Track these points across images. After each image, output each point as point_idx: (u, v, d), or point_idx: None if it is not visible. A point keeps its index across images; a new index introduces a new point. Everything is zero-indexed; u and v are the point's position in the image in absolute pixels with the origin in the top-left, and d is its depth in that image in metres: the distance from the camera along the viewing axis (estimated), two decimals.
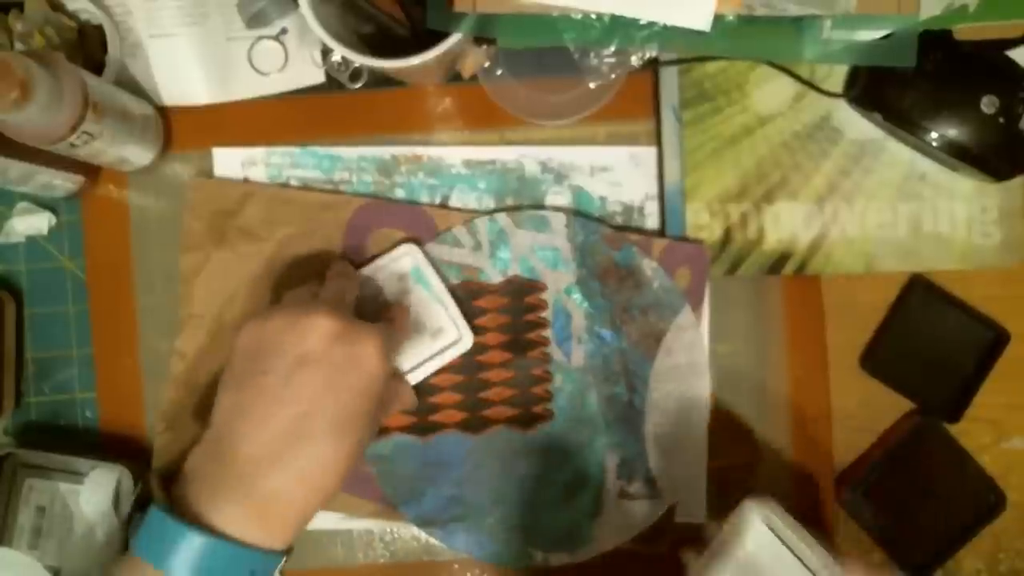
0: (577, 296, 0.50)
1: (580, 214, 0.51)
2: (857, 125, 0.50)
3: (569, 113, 0.51)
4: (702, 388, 0.50)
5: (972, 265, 0.51)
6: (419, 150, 0.53)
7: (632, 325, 0.50)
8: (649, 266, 0.50)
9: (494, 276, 0.51)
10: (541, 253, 0.50)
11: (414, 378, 0.49)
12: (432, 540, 0.52)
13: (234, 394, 0.40)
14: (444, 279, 0.50)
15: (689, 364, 0.50)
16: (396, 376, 0.47)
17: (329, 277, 0.47)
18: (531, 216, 0.50)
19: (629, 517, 0.50)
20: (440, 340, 0.49)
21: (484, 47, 0.50)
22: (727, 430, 0.51)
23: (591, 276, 0.50)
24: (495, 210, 0.52)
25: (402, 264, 0.50)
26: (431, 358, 0.49)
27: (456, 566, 0.52)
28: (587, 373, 0.50)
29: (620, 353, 0.50)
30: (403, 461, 0.50)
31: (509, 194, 0.53)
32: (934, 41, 0.44)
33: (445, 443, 0.50)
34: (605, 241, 0.50)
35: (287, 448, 0.37)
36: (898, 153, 0.50)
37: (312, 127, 0.53)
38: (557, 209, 0.51)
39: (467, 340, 0.49)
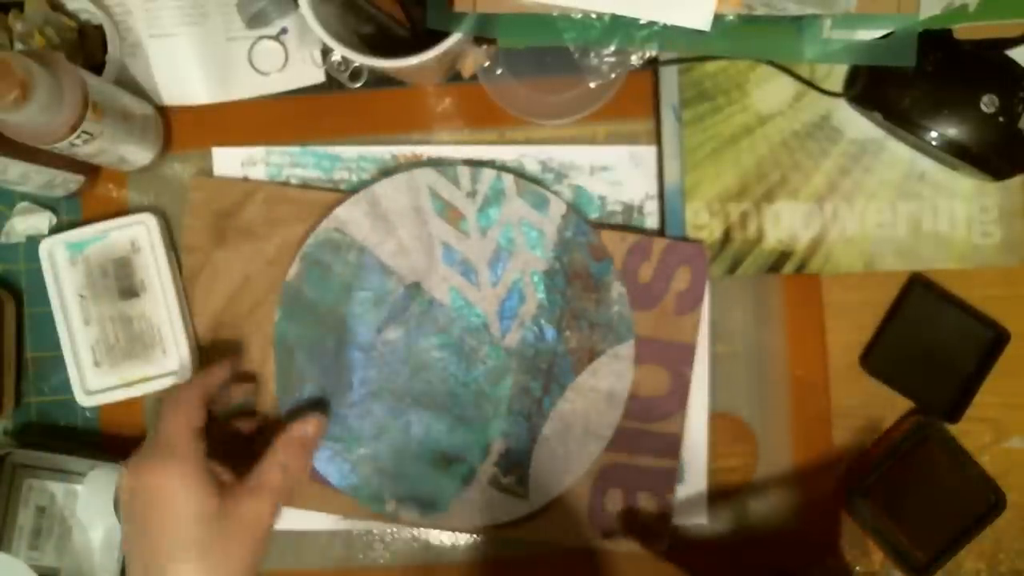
0: (539, 284, 0.50)
1: (579, 213, 0.51)
2: (857, 124, 0.50)
3: (569, 113, 0.51)
4: (610, 418, 0.50)
5: (972, 265, 0.51)
6: (419, 149, 0.53)
7: (575, 333, 0.50)
8: (617, 289, 0.50)
9: (472, 229, 0.50)
10: (526, 229, 0.50)
11: None
12: (432, 541, 0.52)
13: None
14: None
15: (608, 393, 0.50)
16: (242, 493, 0.42)
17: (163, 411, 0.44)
18: (535, 191, 0.50)
19: (490, 505, 0.50)
20: None
21: (484, 47, 0.50)
22: (727, 430, 0.52)
23: (561, 273, 0.50)
24: (505, 168, 0.51)
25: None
26: None
27: (456, 567, 0.52)
28: (512, 357, 0.50)
29: (552, 354, 0.50)
30: (312, 363, 0.50)
31: None
32: (934, 41, 0.44)
33: (353, 355, 0.50)
34: (589, 248, 0.50)
35: None
36: (898, 152, 0.50)
37: (312, 127, 0.53)
38: (560, 198, 0.51)
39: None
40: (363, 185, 0.52)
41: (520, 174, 0.51)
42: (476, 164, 0.51)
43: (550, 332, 0.50)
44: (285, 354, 0.50)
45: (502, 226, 0.50)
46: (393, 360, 0.50)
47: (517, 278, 0.50)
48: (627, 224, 0.52)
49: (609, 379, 0.50)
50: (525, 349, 0.50)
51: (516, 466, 0.50)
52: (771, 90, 0.50)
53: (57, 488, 0.51)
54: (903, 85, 0.47)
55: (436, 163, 0.52)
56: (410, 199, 0.50)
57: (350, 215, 0.50)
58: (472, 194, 0.50)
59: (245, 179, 0.53)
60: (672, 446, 0.50)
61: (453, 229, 0.50)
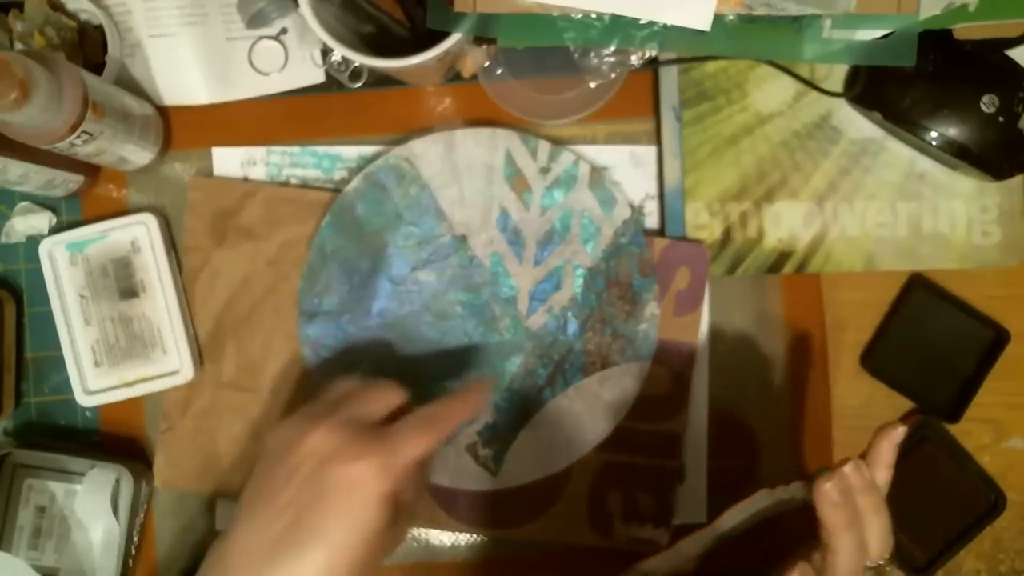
0: (580, 279, 0.50)
1: (640, 227, 0.51)
2: (857, 124, 0.50)
3: (569, 113, 0.51)
4: (600, 430, 0.50)
5: (972, 265, 0.51)
6: None
7: (596, 336, 0.50)
8: (652, 310, 0.50)
9: (534, 205, 0.51)
10: (586, 222, 0.50)
11: None
12: (432, 541, 0.52)
13: (246, 492, 0.40)
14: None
15: (608, 404, 0.50)
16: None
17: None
18: (605, 189, 0.50)
19: (460, 470, 0.50)
20: None
21: (484, 47, 0.50)
22: (727, 430, 0.51)
23: (604, 275, 0.50)
24: (585, 158, 0.51)
25: None
26: None
27: (456, 567, 0.52)
28: (529, 339, 0.50)
29: (568, 349, 0.50)
30: (341, 277, 0.50)
31: None
32: (934, 41, 0.44)
33: (382, 284, 0.50)
34: (639, 260, 0.50)
35: (269, 557, 0.37)
36: (898, 152, 0.50)
37: (312, 127, 0.53)
38: (629, 204, 0.51)
39: None
40: None
41: (597, 167, 0.51)
42: (558, 144, 0.51)
43: (573, 327, 0.50)
44: (319, 259, 0.50)
45: (563, 211, 0.51)
46: (417, 301, 0.50)
47: (560, 265, 0.50)
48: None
49: (614, 392, 0.50)
50: (544, 335, 0.50)
51: (497, 442, 0.50)
52: (771, 90, 0.50)
53: (57, 488, 0.51)
54: (903, 85, 0.47)
55: (521, 130, 0.51)
56: (485, 154, 0.50)
57: (424, 151, 0.50)
58: (545, 171, 0.51)
59: (245, 179, 0.53)
60: (672, 446, 0.50)
61: (516, 198, 0.50)
